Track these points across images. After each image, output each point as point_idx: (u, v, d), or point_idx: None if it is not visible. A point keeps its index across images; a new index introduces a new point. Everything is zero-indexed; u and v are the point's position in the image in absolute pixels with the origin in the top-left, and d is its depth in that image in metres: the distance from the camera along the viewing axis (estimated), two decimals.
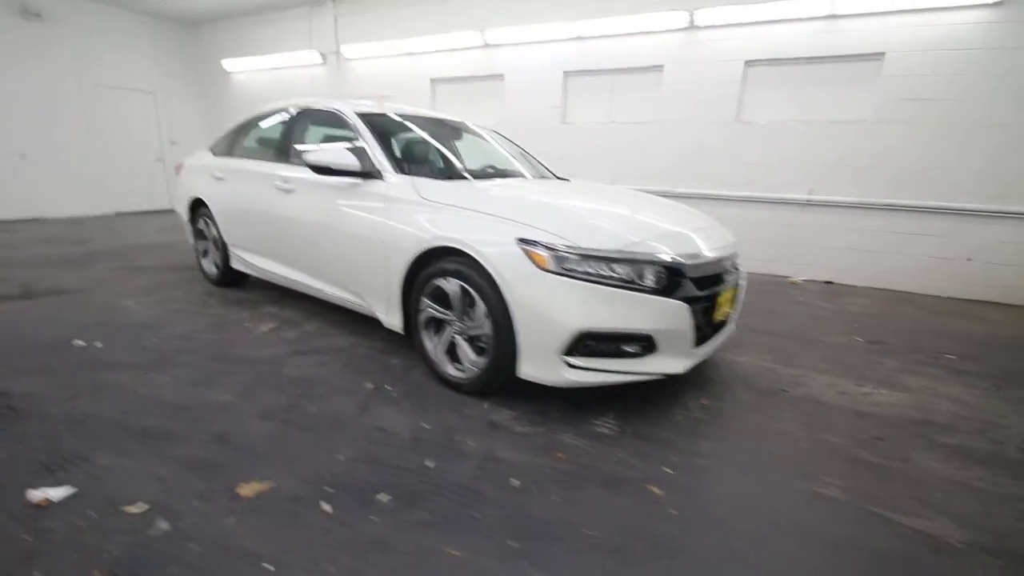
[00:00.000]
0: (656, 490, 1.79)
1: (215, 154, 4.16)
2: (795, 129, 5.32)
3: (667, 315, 2.12)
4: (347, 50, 7.76)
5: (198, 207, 4.23)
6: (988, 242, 4.73)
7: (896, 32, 4.74)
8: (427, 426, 2.16)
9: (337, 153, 2.72)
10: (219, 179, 3.88)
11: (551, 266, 2.06)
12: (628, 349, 2.14)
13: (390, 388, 2.50)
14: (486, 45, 6.72)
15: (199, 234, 4.33)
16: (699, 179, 5.85)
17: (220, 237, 3.97)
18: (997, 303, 4.74)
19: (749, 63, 5.40)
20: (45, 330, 3.10)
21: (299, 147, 3.35)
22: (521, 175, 3.37)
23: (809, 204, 5.37)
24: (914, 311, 4.43)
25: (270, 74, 8.91)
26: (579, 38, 6.15)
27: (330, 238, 2.95)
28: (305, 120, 3.42)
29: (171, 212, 9.33)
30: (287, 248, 3.35)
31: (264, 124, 3.83)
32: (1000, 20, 4.35)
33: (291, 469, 1.82)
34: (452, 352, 2.48)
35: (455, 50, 6.95)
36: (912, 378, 2.92)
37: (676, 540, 1.56)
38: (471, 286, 2.27)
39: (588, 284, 2.05)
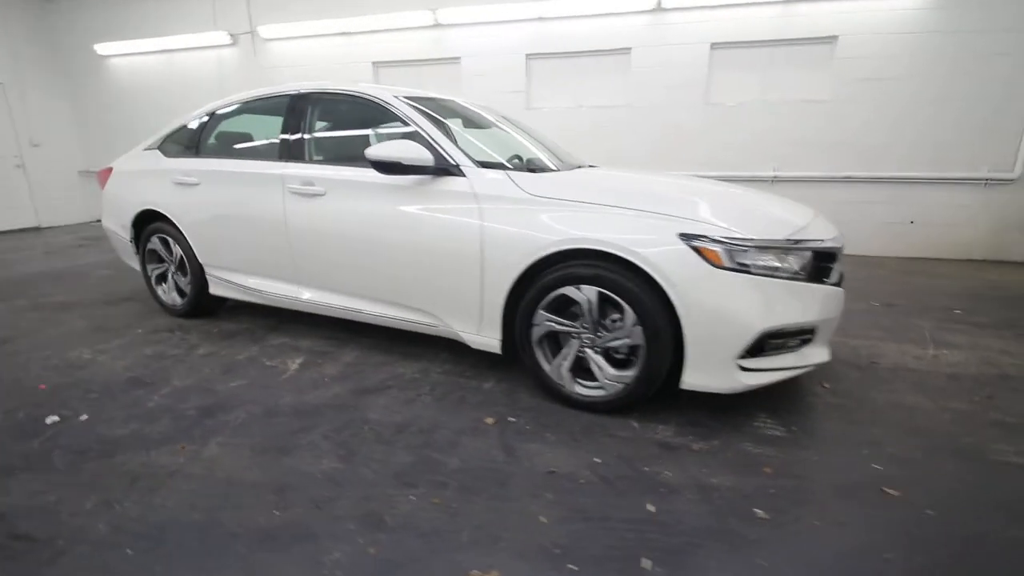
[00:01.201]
0: (892, 491, 1.68)
1: (168, 154, 3.31)
2: (760, 110, 5.59)
3: (829, 303, 2.02)
4: (266, 30, 6.72)
5: (148, 221, 3.36)
6: (928, 206, 5.36)
7: (847, 17, 5.13)
8: (598, 460, 1.85)
9: (408, 147, 2.24)
10: (187, 185, 3.09)
11: (726, 262, 1.84)
12: (791, 343, 2.01)
13: (513, 419, 2.13)
14: (438, 25, 6.19)
15: (152, 255, 3.44)
16: (671, 161, 5.93)
17: (191, 257, 3.19)
18: (937, 259, 5.41)
19: (715, 46, 5.55)
20: None
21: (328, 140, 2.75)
22: (550, 163, 3.02)
23: (776, 181, 5.69)
24: (882, 272, 4.88)
25: (160, 59, 7.48)
26: (541, 19, 5.89)
27: (388, 249, 2.45)
28: (316, 108, 2.80)
29: (40, 231, 7.57)
30: (312, 265, 2.75)
31: (249, 115, 3.10)
32: (936, 7, 4.88)
33: (504, 549, 1.43)
34: (575, 368, 2.18)
35: (402, 30, 6.33)
36: (952, 335, 3.16)
37: (972, 544, 1.45)
38: (616, 292, 1.97)
39: (764, 279, 1.87)
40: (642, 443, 1.96)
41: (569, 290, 2.07)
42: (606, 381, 2.10)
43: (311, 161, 2.72)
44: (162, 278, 3.49)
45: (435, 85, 6.48)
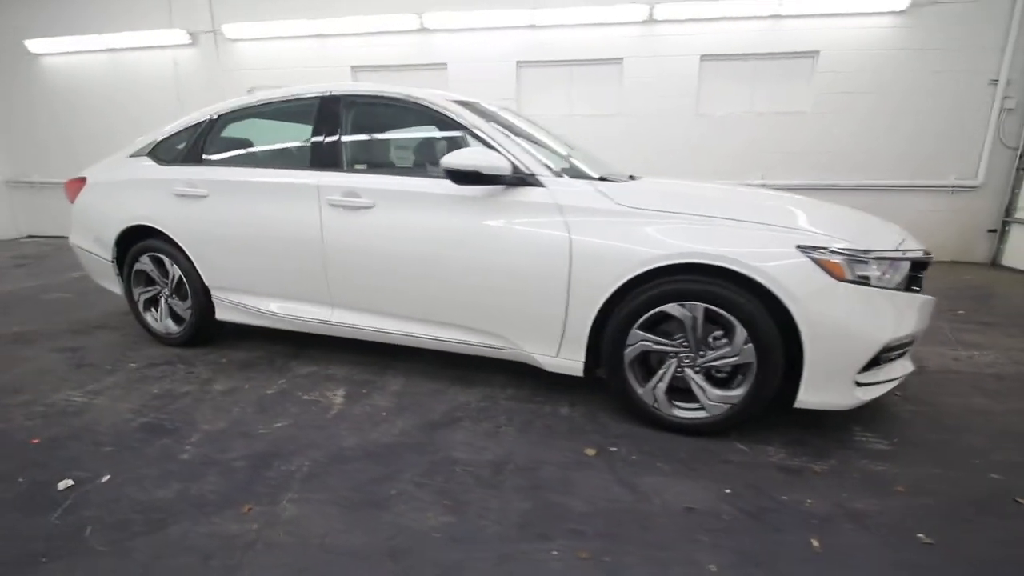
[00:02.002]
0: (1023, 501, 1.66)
1: (162, 162, 2.90)
2: (747, 120, 5.75)
3: (924, 312, 2.01)
4: (231, 29, 6.22)
5: (135, 239, 2.92)
6: (902, 211, 5.69)
7: (828, 33, 5.38)
8: (729, 491, 1.71)
9: (487, 156, 2.04)
10: (191, 197, 2.71)
11: (848, 275, 1.78)
12: (894, 355, 1.98)
13: (614, 449, 1.96)
14: (424, 29, 5.96)
15: (139, 277, 3.00)
16: (664, 170, 5.96)
17: (194, 279, 2.79)
18: None
19: (704, 57, 5.67)
20: None
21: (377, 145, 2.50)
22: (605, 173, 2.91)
23: (764, 189, 5.86)
24: None
25: (104, 58, 6.75)
26: (533, 26, 5.81)
27: (452, 266, 2.22)
28: (352, 112, 2.52)
29: None
30: (353, 285, 2.46)
31: (267, 120, 2.77)
32: (906, 25, 5.22)
33: None
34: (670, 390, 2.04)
35: (385, 33, 6.04)
36: (970, 336, 3.30)
37: None
38: (726, 308, 1.86)
39: (881, 291, 1.82)
40: (761, 468, 1.84)
41: (671, 307, 1.93)
42: (709, 402, 1.98)
43: (351, 170, 2.44)
44: (152, 303, 3.05)
45: None
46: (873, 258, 1.80)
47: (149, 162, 2.93)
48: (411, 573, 1.37)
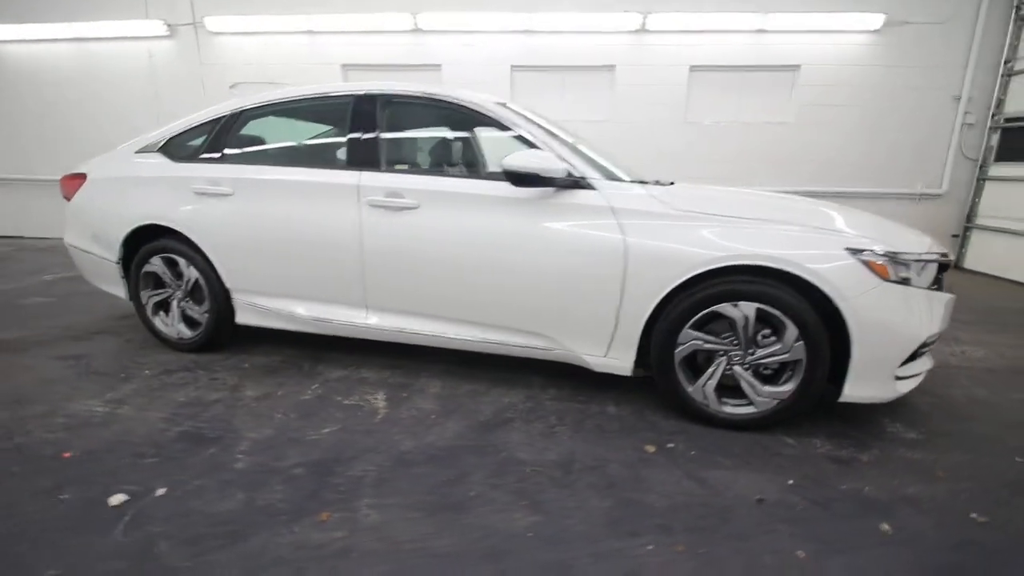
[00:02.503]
0: None
1: (177, 158, 2.76)
2: (734, 129, 5.99)
3: (948, 310, 2.15)
4: (214, 22, 5.98)
5: (145, 239, 2.78)
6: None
7: (808, 49, 5.68)
8: (791, 482, 1.79)
9: (544, 158, 2.07)
10: (214, 195, 2.60)
11: (892, 275, 1.90)
12: (924, 350, 2.12)
13: (672, 446, 2.01)
14: (417, 30, 5.91)
15: (148, 280, 2.84)
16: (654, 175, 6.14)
17: (213, 281, 2.68)
18: None
19: (693, 68, 5.87)
20: (12, 495, 1.66)
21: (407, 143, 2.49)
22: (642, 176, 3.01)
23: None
24: None
25: (71, 48, 6.34)
26: (528, 31, 5.86)
27: (502, 267, 2.22)
28: (389, 112, 2.48)
29: None
30: (393, 287, 2.42)
31: (291, 117, 2.69)
32: (880, 43, 5.57)
33: None
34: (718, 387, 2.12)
35: (378, 32, 5.95)
36: (956, 333, 3.55)
37: None
38: (779, 308, 1.95)
39: (918, 290, 1.95)
40: (814, 460, 1.94)
41: (724, 307, 2.00)
42: (758, 398, 2.06)
43: (390, 170, 2.41)
44: (161, 306, 2.89)
45: None
46: (912, 260, 1.93)
47: (161, 158, 2.79)
48: (512, 573, 1.37)
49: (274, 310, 2.65)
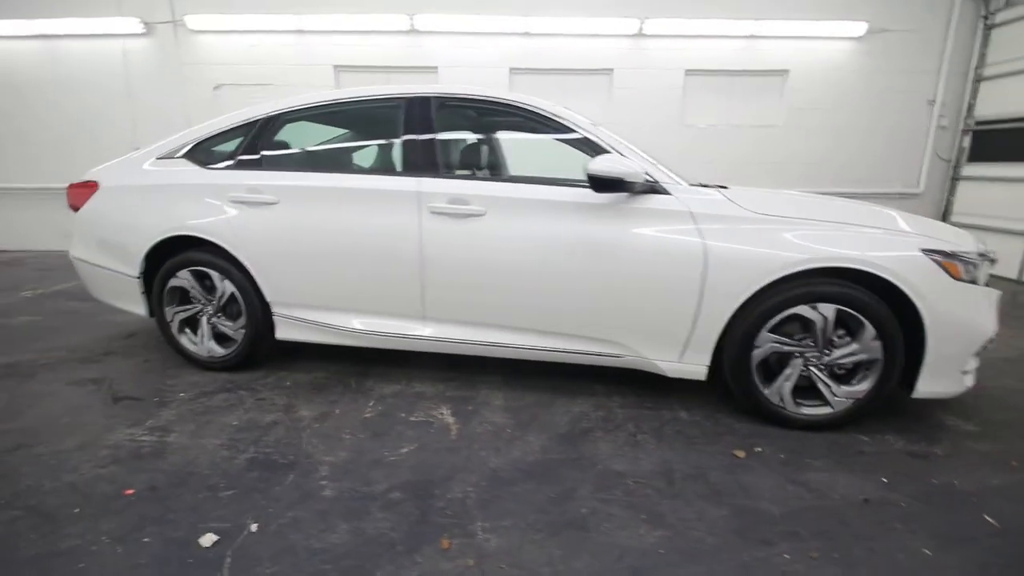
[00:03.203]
0: None
1: (207, 164, 2.58)
2: (728, 132, 6.15)
3: (998, 306, 2.26)
4: (195, 20, 5.65)
5: (170, 252, 2.58)
6: None
7: (797, 54, 5.89)
8: (885, 480, 1.83)
9: (626, 164, 2.05)
10: (255, 204, 2.44)
11: (962, 275, 1.97)
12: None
13: (759, 450, 2.02)
14: (414, 31, 5.78)
15: (173, 295, 2.64)
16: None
17: (251, 295, 2.52)
18: None
19: (689, 72, 5.99)
20: (86, 538, 1.49)
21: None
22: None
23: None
24: None
25: (36, 46, 5.86)
26: (527, 34, 5.82)
27: (575, 274, 2.19)
28: (446, 116, 2.40)
29: None
30: (455, 296, 2.34)
31: (330, 121, 2.55)
32: (862, 50, 5.84)
33: None
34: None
35: (372, 32, 5.78)
36: None
37: None
38: (856, 308, 1.99)
39: (981, 288, 2.03)
40: (895, 457, 1.99)
41: (802, 309, 2.03)
42: (836, 398, 2.10)
43: (452, 176, 2.32)
44: (188, 323, 2.70)
45: None
46: (975, 260, 2.01)
47: (189, 165, 2.60)
48: None
49: (321, 324, 2.51)
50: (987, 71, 5.66)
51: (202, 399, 2.39)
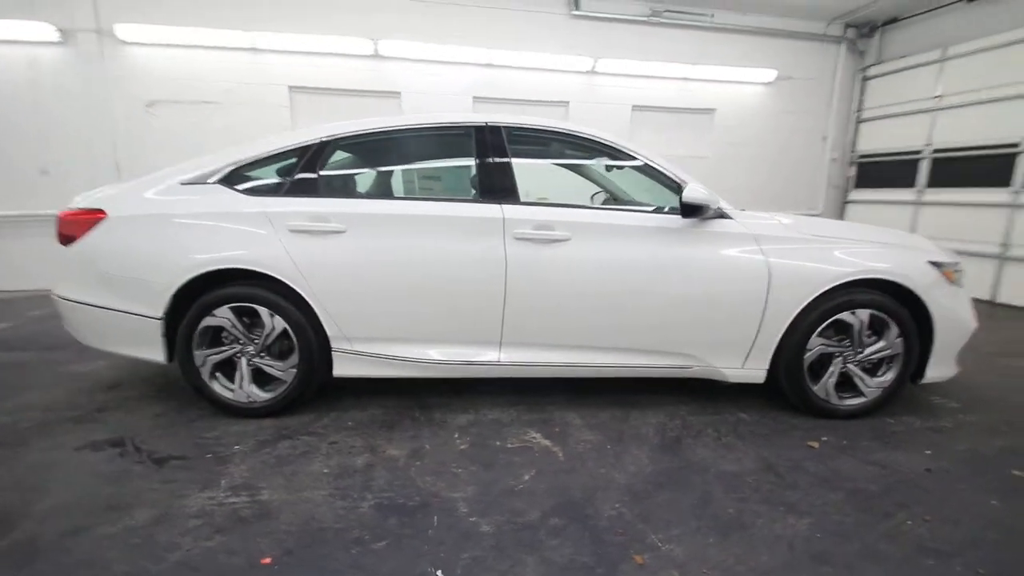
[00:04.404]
0: None
1: (253, 191, 2.38)
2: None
3: None
4: (127, 31, 5.06)
5: (203, 288, 2.32)
6: None
7: (721, 95, 6.75)
8: (929, 452, 2.21)
9: (708, 192, 2.30)
10: (319, 233, 2.29)
11: (956, 280, 2.46)
12: None
13: (825, 439, 2.31)
14: (377, 56, 5.70)
15: (205, 336, 2.36)
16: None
17: (308, 330, 2.34)
18: None
19: (635, 107, 6.57)
20: None
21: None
22: None
23: None
24: None
25: None
26: (489, 65, 6.02)
27: (655, 293, 2.36)
28: (517, 145, 2.47)
29: None
30: (542, 320, 2.39)
31: (397, 147, 2.49)
32: (772, 93, 6.85)
33: None
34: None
35: (332, 55, 5.59)
36: None
37: None
38: (885, 312, 2.39)
39: (964, 290, 2.54)
40: (921, 433, 2.40)
41: (844, 315, 2.39)
42: (869, 389, 2.47)
43: (533, 203, 2.39)
44: (220, 369, 2.41)
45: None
46: (959, 268, 2.52)
47: (228, 191, 2.37)
48: (849, 566, 1.50)
49: (391, 357, 2.40)
50: (865, 114, 6.93)
51: (265, 450, 2.16)
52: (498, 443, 2.24)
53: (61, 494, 1.83)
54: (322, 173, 2.41)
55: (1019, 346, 3.92)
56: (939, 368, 2.49)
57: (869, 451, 2.21)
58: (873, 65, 6.76)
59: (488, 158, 2.41)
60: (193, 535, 1.62)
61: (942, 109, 5.82)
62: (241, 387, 2.40)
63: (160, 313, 2.33)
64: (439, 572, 1.47)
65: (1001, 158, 5.14)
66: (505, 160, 2.42)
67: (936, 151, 5.92)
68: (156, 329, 2.35)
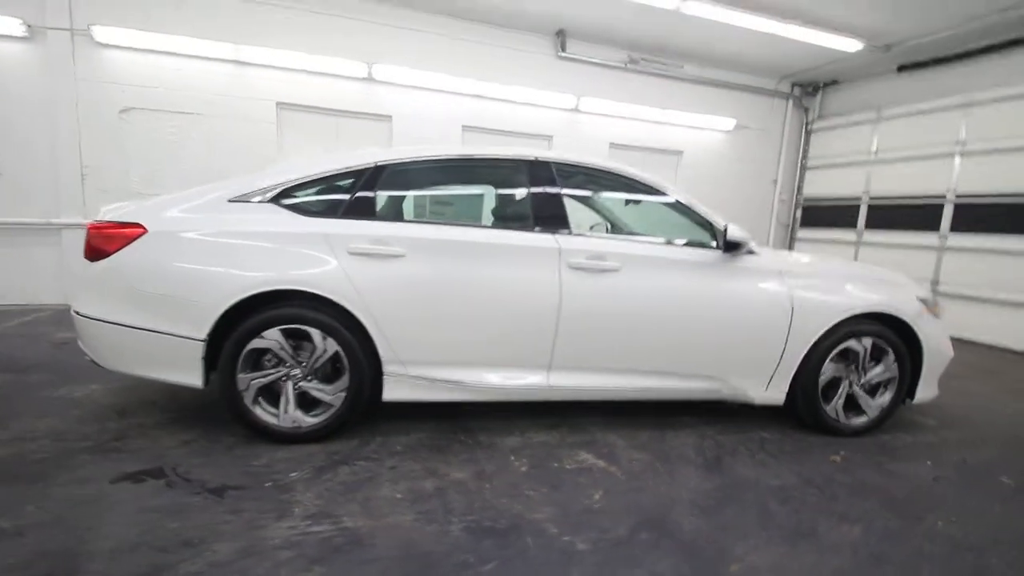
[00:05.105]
0: None
1: (308, 212, 2.35)
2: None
3: None
4: (106, 33, 4.77)
5: (249, 310, 2.24)
6: None
7: (688, 139, 7.31)
8: (929, 463, 2.51)
9: (743, 230, 2.53)
10: (379, 256, 2.29)
11: (937, 314, 2.84)
12: None
13: (843, 453, 2.56)
14: (371, 79, 5.71)
15: (251, 359, 2.27)
16: None
17: (360, 354, 2.31)
18: None
19: (612, 145, 6.97)
20: None
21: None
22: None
23: None
24: None
25: None
26: (479, 96, 6.19)
27: (693, 321, 2.55)
28: (566, 179, 2.63)
29: None
30: (589, 346, 2.50)
31: (457, 175, 2.59)
32: (731, 140, 7.51)
33: None
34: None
35: (324, 75, 5.54)
36: None
37: None
38: (882, 339, 2.72)
39: (942, 322, 2.94)
40: (916, 447, 2.72)
41: (851, 343, 2.69)
42: (871, 408, 2.78)
43: (585, 234, 2.53)
44: (264, 394, 2.32)
45: (360, 141, 5.88)
46: (938, 302, 2.92)
47: (280, 211, 2.33)
48: (910, 564, 1.70)
49: (445, 380, 2.41)
50: (809, 163, 7.75)
51: (326, 476, 2.09)
52: (555, 464, 2.30)
53: (120, 531, 1.69)
54: (376, 196, 2.43)
55: (965, 368, 4.46)
56: (925, 390, 2.84)
57: (881, 464, 2.48)
58: (816, 120, 7.62)
59: (541, 189, 2.54)
60: (289, 567, 1.56)
61: (877, 163, 6.66)
62: (287, 412, 2.32)
63: (203, 335, 2.22)
64: None
65: (930, 207, 5.95)
66: (556, 192, 2.56)
67: (873, 198, 6.73)
68: (196, 351, 2.23)
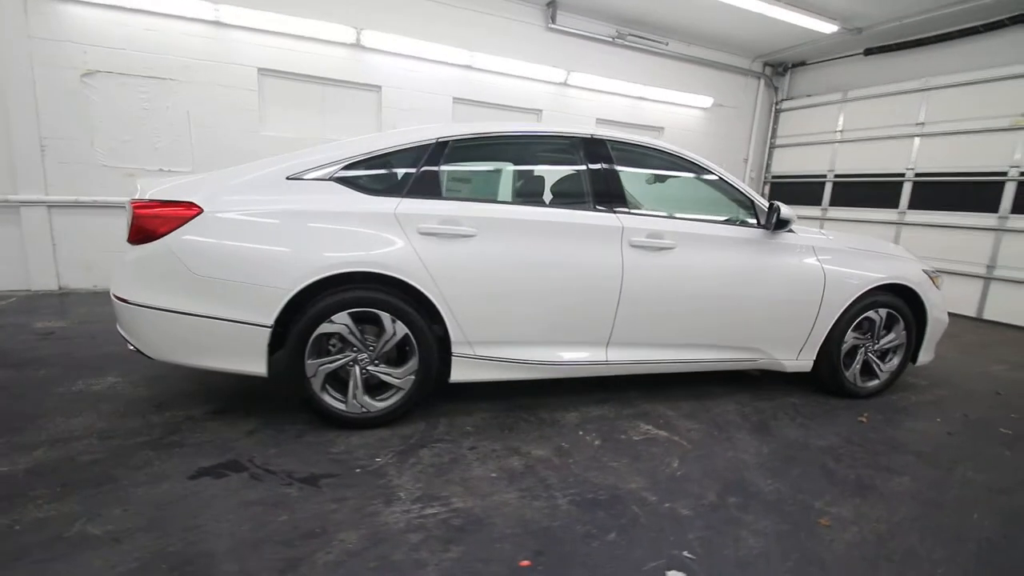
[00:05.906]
0: None
1: (372, 190, 2.25)
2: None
3: None
4: None
5: (313, 294, 2.16)
6: None
7: (668, 115, 7.47)
8: (939, 420, 2.82)
9: (791, 210, 2.65)
10: (449, 236, 2.25)
11: (937, 285, 3.14)
12: None
13: (867, 414, 2.82)
14: (358, 45, 5.41)
15: (318, 345, 2.19)
16: None
17: (429, 336, 2.29)
18: None
19: (598, 120, 7.01)
20: None
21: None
22: None
23: None
24: None
25: None
26: (470, 67, 6.02)
27: (741, 296, 2.69)
28: (620, 157, 2.66)
29: None
30: (646, 321, 2.59)
31: (514, 153, 2.55)
32: (709, 118, 7.74)
33: None
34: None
35: (309, 39, 5.19)
36: None
37: None
38: (894, 309, 2.98)
39: (941, 292, 3.24)
40: (922, 406, 3.03)
41: (870, 312, 2.93)
42: (882, 373, 3.06)
43: (643, 213, 2.58)
44: (333, 380, 2.26)
45: (347, 111, 5.60)
46: (938, 275, 3.22)
47: (343, 189, 2.22)
48: (964, 507, 1.94)
49: (514, 360, 2.42)
50: (777, 141, 8.14)
51: (411, 460, 2.08)
52: (623, 436, 2.40)
53: (229, 528, 1.62)
54: (440, 175, 2.37)
55: None
56: (926, 355, 3.16)
57: (900, 422, 2.76)
58: (785, 100, 7.98)
59: (600, 167, 2.57)
60: (426, 549, 1.57)
61: (843, 142, 7.10)
62: (355, 397, 2.27)
63: (271, 320, 2.11)
64: (685, 552, 1.62)
65: (890, 184, 6.44)
66: (615, 170, 2.59)
67: (838, 176, 7.19)
68: (262, 338, 2.13)
